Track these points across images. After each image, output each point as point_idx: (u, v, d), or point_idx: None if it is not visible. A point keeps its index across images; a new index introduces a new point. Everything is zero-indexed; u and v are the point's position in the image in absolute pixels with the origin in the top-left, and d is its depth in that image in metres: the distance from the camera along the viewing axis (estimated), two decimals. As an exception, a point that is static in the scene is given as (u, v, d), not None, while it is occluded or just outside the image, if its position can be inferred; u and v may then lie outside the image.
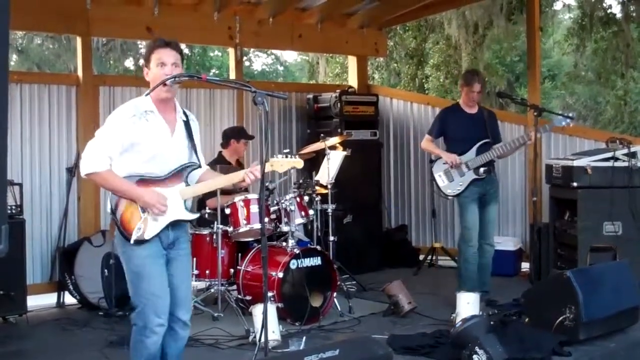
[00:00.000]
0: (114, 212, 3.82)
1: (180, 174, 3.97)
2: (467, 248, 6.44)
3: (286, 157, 4.16)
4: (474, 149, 6.46)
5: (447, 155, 6.47)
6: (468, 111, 6.64)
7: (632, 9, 14.75)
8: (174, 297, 3.94)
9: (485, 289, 6.46)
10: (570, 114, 6.47)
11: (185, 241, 4.09)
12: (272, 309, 5.24)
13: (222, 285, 6.23)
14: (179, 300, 3.97)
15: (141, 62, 4.04)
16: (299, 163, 4.20)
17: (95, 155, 3.76)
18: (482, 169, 6.42)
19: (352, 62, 9.78)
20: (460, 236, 6.58)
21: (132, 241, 3.79)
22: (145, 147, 3.83)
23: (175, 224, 3.94)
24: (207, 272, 6.29)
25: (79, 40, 7.32)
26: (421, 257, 8.63)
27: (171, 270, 3.95)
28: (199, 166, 4.09)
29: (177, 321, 3.98)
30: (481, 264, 6.54)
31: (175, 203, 3.93)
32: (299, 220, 6.32)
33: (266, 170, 3.91)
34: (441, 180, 6.51)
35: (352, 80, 9.61)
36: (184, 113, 4.08)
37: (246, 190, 6.69)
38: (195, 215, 4.13)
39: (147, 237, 3.82)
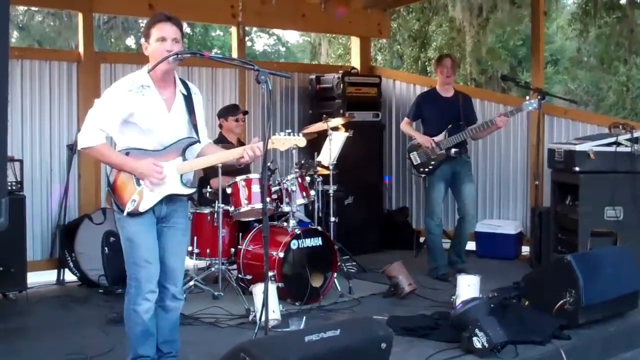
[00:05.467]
0: (109, 183, 3.91)
1: (177, 148, 3.98)
2: (430, 221, 7.03)
3: (288, 135, 4.14)
4: (445, 130, 6.89)
5: (420, 137, 7.02)
6: (443, 95, 7.11)
7: (637, -5, 14.69)
8: (164, 269, 4.02)
9: (460, 265, 6.99)
10: (539, 98, 6.79)
11: (181, 217, 4.12)
12: (272, 288, 5.24)
13: (222, 264, 6.24)
14: (168, 272, 4.04)
15: (142, 40, 4.02)
16: (302, 141, 4.17)
17: (90, 129, 3.82)
18: (453, 150, 6.89)
19: (355, 43, 9.73)
20: (426, 211, 7.17)
21: (125, 213, 3.86)
22: (139, 121, 3.86)
23: (170, 199, 3.97)
24: (208, 251, 6.29)
25: (80, 16, 7.26)
26: (422, 239, 8.61)
27: (162, 243, 4.01)
28: (198, 141, 4.08)
29: (167, 293, 4.07)
30: (460, 236, 7.15)
31: (171, 177, 3.95)
32: (300, 200, 6.30)
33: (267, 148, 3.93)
34: (415, 159, 7.05)
35: (355, 62, 9.56)
36: (186, 86, 4.08)
37: (247, 170, 6.72)
38: (191, 190, 4.11)
39: (141, 209, 3.88)
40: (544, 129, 7.73)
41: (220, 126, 7.02)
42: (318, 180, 6.71)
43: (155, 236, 3.97)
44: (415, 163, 7.05)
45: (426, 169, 6.97)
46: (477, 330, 4.48)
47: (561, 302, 5.00)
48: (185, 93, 4.04)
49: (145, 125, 3.87)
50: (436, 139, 6.90)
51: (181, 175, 3.99)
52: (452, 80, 7.19)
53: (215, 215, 6.24)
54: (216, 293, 6.09)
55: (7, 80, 2.19)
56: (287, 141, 4.12)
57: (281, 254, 5.79)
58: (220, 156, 4.20)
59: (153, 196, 3.91)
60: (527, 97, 6.89)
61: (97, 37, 17.17)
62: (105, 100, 3.88)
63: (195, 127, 4.05)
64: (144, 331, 3.96)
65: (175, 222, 4.05)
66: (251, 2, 8.20)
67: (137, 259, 3.89)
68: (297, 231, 5.96)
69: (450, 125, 6.90)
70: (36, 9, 18.86)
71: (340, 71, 8.57)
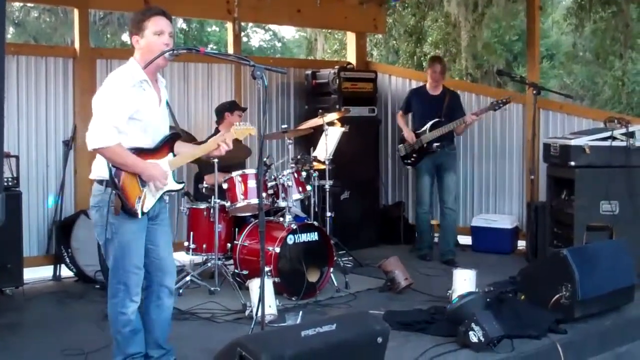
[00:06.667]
0: (115, 183, 3.76)
1: (167, 144, 4.01)
2: (418, 209, 7.70)
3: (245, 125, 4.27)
4: (428, 126, 7.43)
5: (406, 131, 7.64)
6: (431, 92, 7.67)
7: (631, -10, 14.66)
8: (161, 266, 4.05)
9: (449, 256, 7.39)
10: (505, 98, 7.21)
11: (165, 212, 4.15)
12: (268, 283, 5.25)
13: (219, 259, 6.24)
14: (166, 269, 4.08)
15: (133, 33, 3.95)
16: (253, 130, 4.32)
17: (104, 128, 3.69)
18: (434, 144, 7.39)
19: (351, 38, 9.73)
20: (415, 200, 7.86)
21: (140, 214, 3.82)
22: (143, 116, 3.84)
23: (161, 196, 3.99)
24: (204, 246, 6.31)
25: (76, 12, 7.26)
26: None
27: (155, 241, 4.02)
28: (181, 135, 4.15)
29: (164, 289, 4.09)
30: (443, 226, 7.61)
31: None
32: (296, 195, 6.31)
33: (231, 139, 4.12)
34: (401, 151, 7.72)
35: (351, 57, 9.56)
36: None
37: (243, 165, 6.73)
38: (182, 185, 4.15)
39: (145, 209, 3.87)
40: (540, 124, 7.75)
41: (219, 122, 6.99)
42: (314, 175, 6.72)
43: (144, 241, 3.97)
44: (401, 154, 7.73)
45: (409, 161, 7.65)
46: (473, 325, 4.49)
47: (557, 296, 5.01)
48: (164, 86, 4.09)
49: (146, 122, 3.86)
50: (420, 133, 7.48)
51: (173, 172, 4.02)
52: (440, 84, 7.66)
53: (212, 211, 6.24)
54: (212, 288, 6.09)
55: (3, 76, 2.19)
56: (244, 131, 4.22)
57: (277, 249, 5.80)
58: (200, 150, 4.22)
59: (155, 195, 3.93)
60: (495, 99, 7.24)
61: (93, 33, 17.17)
62: (112, 96, 3.74)
63: (175, 120, 4.10)
64: (132, 330, 3.98)
65: (163, 218, 4.09)
66: (247, -3, 8.19)
67: (128, 266, 3.88)
68: (293, 226, 5.97)
69: (431, 122, 7.39)
70: (32, 5, 18.81)
71: (336, 66, 8.57)
